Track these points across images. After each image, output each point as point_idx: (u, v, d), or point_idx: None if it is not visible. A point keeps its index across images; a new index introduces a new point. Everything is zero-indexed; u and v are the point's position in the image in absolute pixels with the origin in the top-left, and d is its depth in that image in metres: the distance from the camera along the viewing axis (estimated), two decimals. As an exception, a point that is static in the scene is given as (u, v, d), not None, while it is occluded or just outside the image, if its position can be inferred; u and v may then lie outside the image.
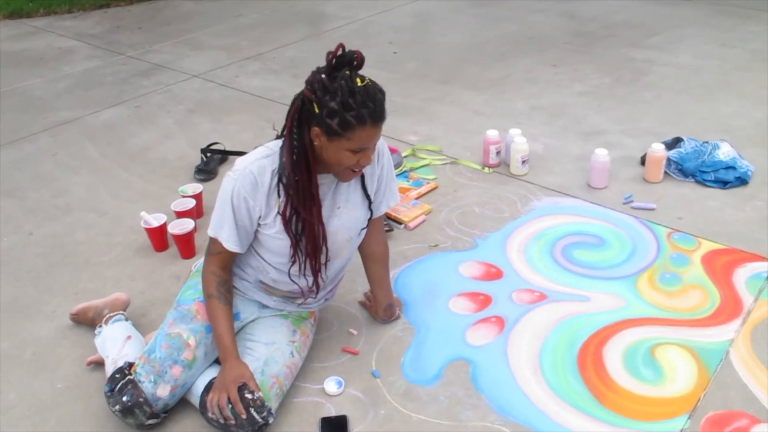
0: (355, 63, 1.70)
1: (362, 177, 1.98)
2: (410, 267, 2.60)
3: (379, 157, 2.02)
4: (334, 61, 1.69)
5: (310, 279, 2.00)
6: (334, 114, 1.69)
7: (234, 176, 1.84)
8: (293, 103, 1.79)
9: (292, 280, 1.99)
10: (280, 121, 1.85)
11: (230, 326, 1.94)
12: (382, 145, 2.00)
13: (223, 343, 1.92)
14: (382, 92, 1.73)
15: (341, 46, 1.70)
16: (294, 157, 1.79)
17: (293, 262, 1.94)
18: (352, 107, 1.67)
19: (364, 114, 1.69)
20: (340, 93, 1.67)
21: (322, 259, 1.97)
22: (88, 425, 1.98)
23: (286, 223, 1.86)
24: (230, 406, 1.83)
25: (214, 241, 1.92)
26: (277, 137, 1.89)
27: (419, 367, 2.14)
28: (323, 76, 1.69)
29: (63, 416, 2.02)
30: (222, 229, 1.88)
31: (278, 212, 1.86)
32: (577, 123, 3.77)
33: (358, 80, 1.69)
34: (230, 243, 1.89)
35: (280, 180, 1.83)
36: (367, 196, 2.01)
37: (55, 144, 3.80)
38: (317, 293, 2.08)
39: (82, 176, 3.43)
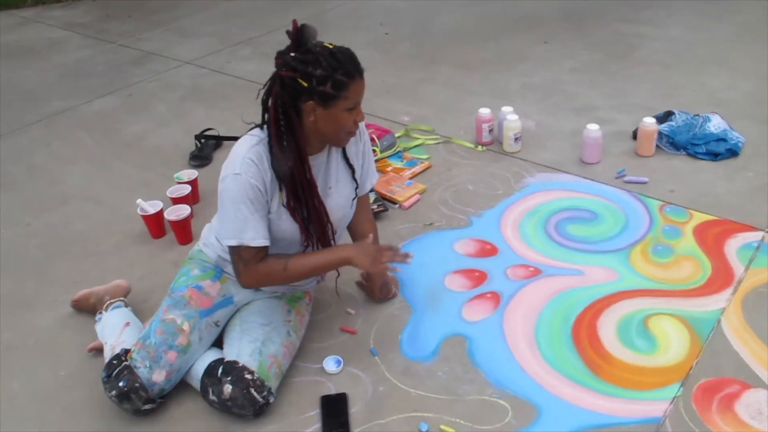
0: (314, 34, 1.78)
1: (345, 154, 2.02)
2: (406, 246, 2.62)
3: (361, 134, 2.08)
4: (297, 36, 1.75)
5: None
6: (326, 79, 1.74)
7: (236, 171, 1.81)
8: (269, 91, 1.82)
9: None
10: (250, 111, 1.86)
11: (311, 253, 1.98)
12: (361, 124, 2.02)
13: (324, 252, 1.97)
14: (350, 49, 1.82)
15: (296, 22, 1.76)
16: (284, 142, 1.81)
17: (306, 246, 1.97)
18: (339, 66, 1.75)
19: (351, 69, 1.77)
20: (322, 59, 1.74)
21: (330, 234, 2.01)
22: (92, 411, 2.01)
23: (293, 213, 1.89)
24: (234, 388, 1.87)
25: (242, 249, 1.87)
26: (256, 126, 1.91)
27: (417, 344, 2.17)
28: (293, 54, 1.75)
29: (67, 403, 2.05)
30: (245, 232, 1.84)
31: (283, 204, 1.88)
32: (569, 99, 3.78)
33: (327, 44, 1.79)
34: (258, 240, 1.85)
35: (276, 173, 1.84)
36: (352, 169, 2.05)
37: (49, 135, 3.80)
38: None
39: (78, 166, 3.45)
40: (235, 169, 1.81)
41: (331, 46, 1.78)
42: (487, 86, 4.02)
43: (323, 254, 1.95)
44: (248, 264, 1.88)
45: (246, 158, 1.82)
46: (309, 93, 1.76)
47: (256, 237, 1.85)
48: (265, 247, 1.89)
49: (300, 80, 1.74)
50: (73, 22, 5.88)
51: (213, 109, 3.97)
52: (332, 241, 2.03)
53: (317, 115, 1.79)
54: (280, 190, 1.87)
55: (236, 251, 1.88)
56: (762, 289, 2.29)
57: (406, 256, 1.99)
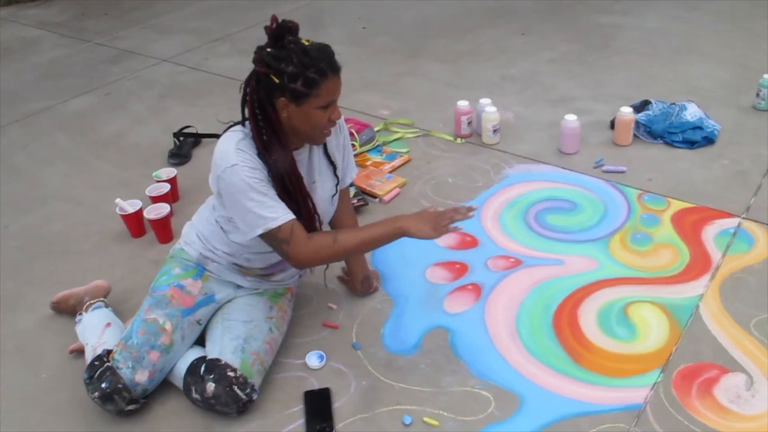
0: (294, 30, 1.75)
1: (326, 148, 2.01)
2: (386, 240, 2.63)
3: (341, 128, 2.07)
4: (275, 32, 1.73)
5: None
6: (296, 76, 1.72)
7: (231, 163, 1.77)
8: (246, 86, 1.81)
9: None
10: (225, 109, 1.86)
11: (362, 227, 1.92)
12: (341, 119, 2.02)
13: (377, 225, 1.87)
14: (328, 46, 1.78)
15: (276, 17, 1.74)
16: (264, 137, 1.80)
17: None
18: (311, 64, 1.72)
19: (324, 67, 1.74)
20: (294, 55, 1.72)
21: (318, 227, 1.99)
22: (75, 413, 2.00)
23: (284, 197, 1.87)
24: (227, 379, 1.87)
25: (274, 232, 1.80)
26: (235, 123, 1.90)
27: (399, 338, 2.18)
28: (269, 49, 1.74)
29: (49, 405, 2.04)
30: (264, 216, 1.79)
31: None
32: (547, 90, 3.80)
33: (303, 41, 1.75)
34: (282, 217, 1.79)
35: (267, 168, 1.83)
36: (333, 165, 2.04)
37: (27, 136, 3.77)
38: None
39: (56, 167, 3.42)
40: (230, 162, 1.78)
41: (307, 43, 1.76)
42: (465, 79, 4.03)
43: (376, 227, 1.86)
44: (290, 242, 1.80)
45: (236, 149, 1.80)
46: (281, 89, 1.75)
47: (278, 216, 1.79)
48: (295, 220, 1.82)
49: (272, 76, 1.74)
50: (48, 21, 5.82)
51: (191, 106, 3.95)
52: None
53: (290, 112, 1.78)
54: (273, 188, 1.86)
55: (270, 237, 1.82)
56: (739, 275, 2.32)
57: (470, 210, 1.85)
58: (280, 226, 1.79)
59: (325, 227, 2.14)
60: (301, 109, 1.77)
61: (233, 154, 1.79)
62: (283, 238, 1.81)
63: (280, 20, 1.75)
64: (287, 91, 1.74)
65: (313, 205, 1.95)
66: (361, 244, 1.88)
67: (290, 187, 1.86)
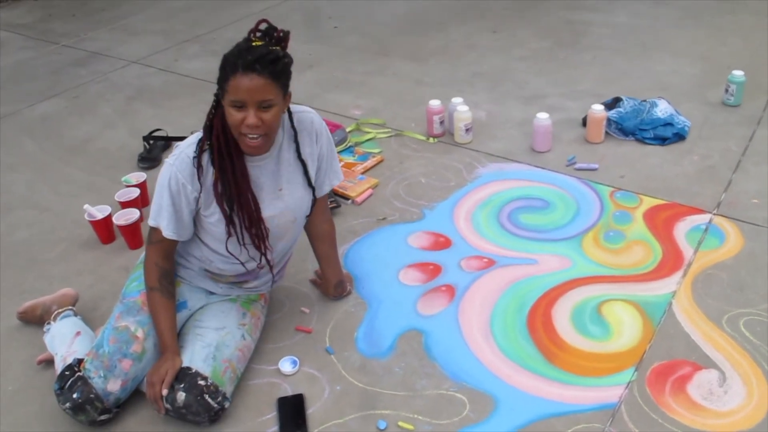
0: (278, 36, 1.73)
1: (299, 153, 1.96)
2: (359, 242, 2.62)
3: (318, 137, 2.00)
4: (254, 35, 1.73)
5: (257, 255, 1.98)
6: (220, 70, 1.73)
7: (170, 161, 1.82)
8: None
9: (238, 259, 1.96)
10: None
11: (172, 321, 1.94)
12: (320, 125, 1.99)
13: (163, 339, 1.92)
14: (273, 53, 1.70)
15: (262, 21, 1.73)
16: (224, 158, 1.81)
17: (229, 235, 1.90)
18: (228, 57, 1.71)
19: (236, 62, 1.68)
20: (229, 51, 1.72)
21: (264, 233, 1.94)
22: (44, 425, 1.96)
23: (218, 196, 1.84)
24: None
25: (154, 230, 1.89)
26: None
27: (373, 341, 2.16)
28: None
29: (17, 419, 2.00)
30: (161, 217, 1.85)
31: (211, 184, 1.84)
32: (519, 88, 3.80)
33: (255, 42, 1.72)
34: (169, 231, 1.86)
35: (211, 155, 1.83)
36: (307, 176, 1.99)
37: (-9, 141, 3.70)
38: (272, 273, 2.08)
39: (21, 173, 3.35)
40: (171, 159, 1.82)
41: (256, 43, 1.72)
42: (436, 77, 4.02)
43: (165, 327, 1.92)
44: (152, 245, 1.92)
45: (184, 153, 1.81)
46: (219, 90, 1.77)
47: (168, 227, 1.86)
48: (173, 241, 1.90)
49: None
50: (13, 23, 5.72)
51: (160, 108, 3.90)
52: (267, 242, 1.96)
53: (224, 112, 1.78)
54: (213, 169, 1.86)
55: (152, 229, 1.91)
56: (710, 271, 2.33)
57: (160, 405, 1.86)
58: (158, 230, 1.88)
59: (295, 236, 2.11)
60: (225, 107, 1.75)
61: (178, 154, 1.82)
62: (152, 239, 1.92)
63: (267, 25, 1.75)
64: (219, 88, 1.75)
65: (256, 204, 1.89)
66: (152, 315, 1.94)
67: (238, 212, 1.86)
